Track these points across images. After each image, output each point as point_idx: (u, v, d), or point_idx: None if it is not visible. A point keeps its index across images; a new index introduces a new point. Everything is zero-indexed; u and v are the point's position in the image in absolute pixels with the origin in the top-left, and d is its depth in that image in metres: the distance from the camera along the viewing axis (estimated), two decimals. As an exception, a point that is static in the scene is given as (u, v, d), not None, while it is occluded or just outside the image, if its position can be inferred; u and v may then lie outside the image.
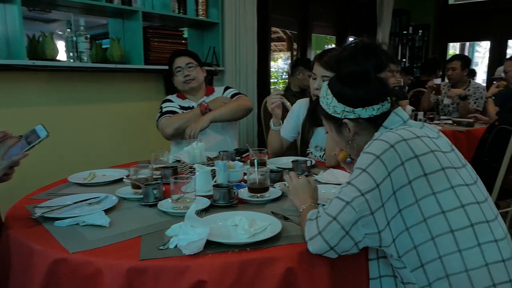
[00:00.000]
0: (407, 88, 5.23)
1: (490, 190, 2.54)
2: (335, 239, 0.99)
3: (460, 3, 7.26)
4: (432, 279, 0.99)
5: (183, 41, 3.47)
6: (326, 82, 1.22)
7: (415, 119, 3.39)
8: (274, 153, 2.22)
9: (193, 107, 2.47)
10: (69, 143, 2.84)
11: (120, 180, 1.70)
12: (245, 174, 1.61)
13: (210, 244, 1.03)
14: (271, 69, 5.52)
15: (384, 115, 1.15)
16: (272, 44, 9.04)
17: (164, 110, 2.44)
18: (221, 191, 1.33)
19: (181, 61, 2.46)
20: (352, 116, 1.15)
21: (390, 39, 6.57)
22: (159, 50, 3.24)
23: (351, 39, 6.14)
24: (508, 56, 4.95)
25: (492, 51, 7.07)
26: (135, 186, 1.47)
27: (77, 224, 1.21)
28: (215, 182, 1.49)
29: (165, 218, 1.27)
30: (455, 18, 7.00)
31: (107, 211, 1.31)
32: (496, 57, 6.78)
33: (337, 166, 1.82)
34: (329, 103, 1.18)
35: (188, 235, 0.99)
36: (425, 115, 3.55)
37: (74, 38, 2.74)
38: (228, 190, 1.33)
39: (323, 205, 1.06)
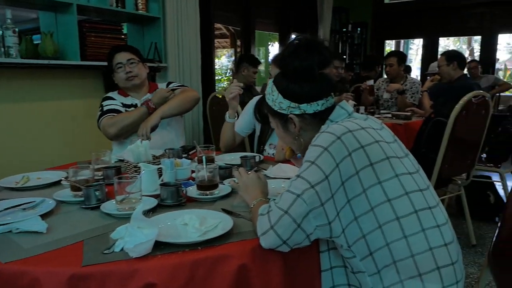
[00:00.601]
0: (348, 83, 5.39)
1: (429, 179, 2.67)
2: (287, 232, 0.98)
3: (394, 2, 7.60)
4: (380, 267, 1.01)
5: (123, 36, 3.34)
6: (272, 79, 1.22)
7: (357, 114, 3.49)
8: (226, 147, 2.19)
9: (136, 104, 2.36)
10: (-1, 145, 2.64)
11: (57, 183, 1.59)
12: (193, 171, 1.56)
13: (159, 245, 0.98)
14: (215, 67, 5.47)
15: (329, 110, 1.17)
16: (216, 40, 8.99)
17: (105, 108, 2.31)
18: (169, 189, 1.28)
19: (122, 57, 2.34)
20: (297, 112, 1.16)
21: (331, 36, 6.74)
22: (97, 45, 3.08)
23: (293, 36, 6.22)
24: (440, 53, 5.25)
25: (424, 48, 7.47)
26: (74, 188, 1.38)
27: (10, 231, 1.11)
28: (161, 181, 1.44)
29: (109, 220, 1.20)
30: (391, 16, 7.32)
31: (44, 216, 1.21)
32: (428, 54, 7.19)
33: (286, 160, 1.82)
34: (275, 99, 1.18)
35: (135, 237, 0.94)
36: (366, 110, 3.67)
37: (0, 32, 2.53)
38: (176, 189, 1.28)
39: (274, 199, 1.05)
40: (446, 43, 15.87)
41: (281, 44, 6.34)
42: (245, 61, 3.88)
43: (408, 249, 1.00)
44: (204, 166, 1.36)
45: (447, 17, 6.87)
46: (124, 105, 2.36)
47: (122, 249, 0.96)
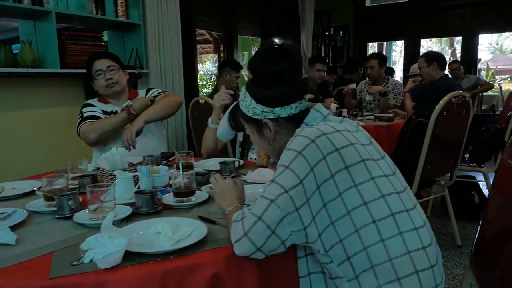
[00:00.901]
0: (331, 86, 5.41)
1: (411, 181, 2.68)
2: (261, 239, 0.96)
3: (376, 5, 7.68)
4: (358, 271, 1.00)
5: (103, 43, 3.32)
6: (245, 85, 1.22)
7: (340, 116, 3.50)
8: (207, 153, 2.17)
9: (116, 111, 2.34)
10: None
11: (32, 193, 1.56)
12: (170, 178, 1.54)
13: (130, 255, 0.95)
14: (200, 72, 5.45)
15: (304, 113, 1.16)
16: (199, 46, 8.99)
17: (85, 115, 2.29)
18: (144, 197, 1.25)
19: (101, 64, 2.32)
20: (271, 116, 1.15)
21: (314, 40, 6.77)
22: (76, 53, 3.05)
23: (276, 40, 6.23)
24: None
25: (406, 50, 7.55)
26: (47, 198, 1.35)
27: (-23, 244, 1.08)
28: (138, 188, 1.41)
29: (81, 230, 1.17)
30: (372, 19, 7.39)
31: (14, 227, 1.18)
32: (410, 55, 7.26)
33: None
34: (248, 105, 1.17)
35: (105, 247, 0.91)
36: (349, 112, 3.68)
37: (-22, 42, 2.49)
38: (151, 196, 1.26)
39: (248, 205, 1.03)
40: (428, 45, 16.14)
41: (264, 48, 6.33)
42: (227, 66, 3.88)
43: (386, 253, 0.99)
44: (181, 172, 1.34)
45: (428, 19, 6.95)
46: (104, 112, 2.34)
47: (91, 260, 0.93)
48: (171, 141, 3.77)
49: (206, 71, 9.68)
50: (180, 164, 1.38)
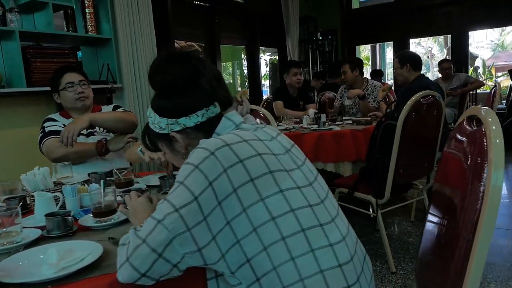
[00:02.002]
0: (315, 91, 5.35)
1: (384, 186, 2.59)
2: (145, 264, 0.88)
3: (362, 7, 7.62)
4: None
5: (71, 59, 3.28)
6: None
7: (318, 122, 3.43)
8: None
9: None
10: None
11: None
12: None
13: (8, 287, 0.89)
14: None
15: (214, 121, 1.08)
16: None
17: (47, 130, 2.27)
18: (54, 219, 1.19)
19: (72, 77, 2.31)
20: (178, 128, 1.07)
21: (301, 46, 6.72)
22: (43, 70, 3.04)
23: (261, 48, 6.18)
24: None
25: (395, 51, 7.46)
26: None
27: None
28: (64, 209, 1.35)
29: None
30: (359, 22, 7.32)
31: None
32: (400, 57, 7.15)
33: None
34: (153, 121, 1.10)
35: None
36: (327, 117, 3.61)
37: None
38: (63, 218, 1.20)
39: (135, 228, 0.95)
40: (428, 44, 15.98)
41: (249, 57, 6.30)
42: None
43: (297, 272, 0.90)
44: (102, 190, 1.28)
45: (415, 18, 6.88)
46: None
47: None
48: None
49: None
50: (101, 182, 1.32)
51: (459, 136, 1.10)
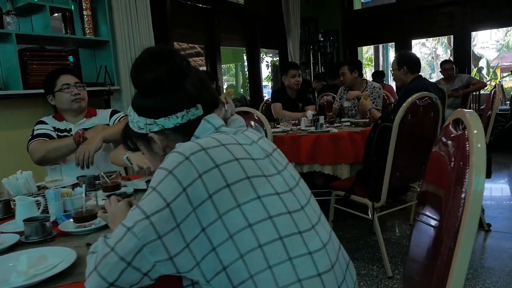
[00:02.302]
0: (316, 93, 5.32)
1: (381, 189, 2.56)
2: (113, 273, 0.86)
3: (364, 8, 7.58)
4: None
5: (68, 62, 3.28)
6: None
7: (316, 124, 3.41)
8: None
9: (70, 129, 2.35)
10: None
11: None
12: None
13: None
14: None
15: (195, 123, 1.05)
16: (191, 60, 8.98)
17: (35, 132, 2.29)
18: (32, 225, 1.17)
19: (68, 79, 2.32)
20: (156, 129, 1.04)
21: (302, 47, 6.69)
22: (40, 73, 3.03)
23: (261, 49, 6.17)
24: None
25: (397, 51, 7.41)
26: None
27: None
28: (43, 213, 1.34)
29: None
30: (361, 23, 7.29)
31: None
32: (402, 57, 7.10)
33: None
34: (132, 119, 1.07)
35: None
36: (326, 119, 3.58)
37: None
38: (41, 223, 1.18)
39: (105, 235, 0.93)
40: (433, 45, 15.89)
41: (249, 59, 6.29)
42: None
43: (274, 282, 0.88)
44: (83, 195, 1.26)
45: (417, 19, 6.83)
46: (56, 130, 2.34)
47: None
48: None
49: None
50: (83, 186, 1.30)
51: (444, 139, 1.08)
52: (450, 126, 1.07)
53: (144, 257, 0.86)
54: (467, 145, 0.88)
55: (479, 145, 0.85)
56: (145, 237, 0.85)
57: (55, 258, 0.99)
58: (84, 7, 3.37)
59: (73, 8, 3.34)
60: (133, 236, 0.85)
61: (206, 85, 1.13)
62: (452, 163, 0.96)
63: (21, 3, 2.94)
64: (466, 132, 0.91)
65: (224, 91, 5.23)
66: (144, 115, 1.05)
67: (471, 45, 6.79)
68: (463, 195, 0.84)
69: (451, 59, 6.90)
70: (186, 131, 1.04)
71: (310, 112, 3.71)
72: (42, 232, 1.18)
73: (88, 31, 3.43)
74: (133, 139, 1.14)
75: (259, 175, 0.96)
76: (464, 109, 1.00)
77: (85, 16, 3.39)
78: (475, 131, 0.87)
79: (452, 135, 1.02)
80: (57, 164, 2.20)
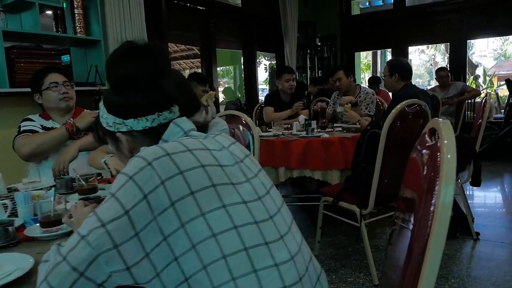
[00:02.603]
0: (311, 97, 5.30)
1: (368, 196, 2.53)
2: (64, 284, 0.81)
3: (362, 13, 7.57)
4: None
5: (57, 60, 3.26)
6: None
7: (307, 129, 3.37)
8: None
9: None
10: None
11: None
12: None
13: None
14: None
15: (165, 127, 1.00)
16: (189, 61, 8.96)
17: (22, 129, 2.25)
18: (-8, 229, 1.13)
19: (57, 77, 2.29)
20: (124, 129, 1.00)
21: (299, 51, 6.67)
22: (27, 71, 3.00)
23: (258, 52, 6.13)
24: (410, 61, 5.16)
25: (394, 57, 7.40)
26: None
27: None
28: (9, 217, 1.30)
29: None
30: (359, 28, 7.27)
31: None
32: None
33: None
34: (102, 115, 1.03)
35: None
36: (318, 124, 3.55)
37: None
38: (3, 228, 1.14)
39: (59, 243, 0.88)
40: (432, 52, 15.91)
41: (246, 61, 6.26)
42: (194, 80, 3.79)
43: None
44: (52, 198, 1.23)
45: (414, 26, 6.82)
46: (44, 128, 2.31)
47: None
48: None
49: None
50: (53, 190, 1.27)
51: (419, 147, 1.07)
52: (426, 135, 1.05)
53: (99, 267, 0.81)
54: (439, 155, 0.87)
55: (449, 156, 0.83)
56: (100, 246, 0.81)
57: (10, 265, 0.95)
58: (75, 5, 3.35)
59: (64, 6, 3.31)
60: (87, 244, 0.81)
61: (185, 87, 1.09)
62: (425, 172, 0.94)
63: (9, 0, 2.92)
64: (438, 142, 0.90)
65: (220, 94, 5.19)
66: (113, 113, 1.00)
67: (467, 53, 6.76)
68: (432, 207, 0.83)
69: (448, 66, 6.89)
70: (155, 135, 0.99)
71: (302, 117, 3.68)
72: (5, 237, 1.14)
73: (79, 30, 3.40)
74: (102, 132, 1.10)
75: (225, 183, 0.92)
76: (439, 119, 0.98)
77: (76, 15, 3.37)
78: (446, 142, 0.85)
79: (427, 144, 1.01)
80: (47, 157, 2.19)
